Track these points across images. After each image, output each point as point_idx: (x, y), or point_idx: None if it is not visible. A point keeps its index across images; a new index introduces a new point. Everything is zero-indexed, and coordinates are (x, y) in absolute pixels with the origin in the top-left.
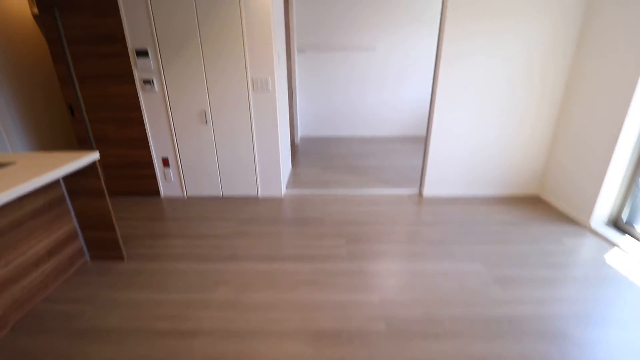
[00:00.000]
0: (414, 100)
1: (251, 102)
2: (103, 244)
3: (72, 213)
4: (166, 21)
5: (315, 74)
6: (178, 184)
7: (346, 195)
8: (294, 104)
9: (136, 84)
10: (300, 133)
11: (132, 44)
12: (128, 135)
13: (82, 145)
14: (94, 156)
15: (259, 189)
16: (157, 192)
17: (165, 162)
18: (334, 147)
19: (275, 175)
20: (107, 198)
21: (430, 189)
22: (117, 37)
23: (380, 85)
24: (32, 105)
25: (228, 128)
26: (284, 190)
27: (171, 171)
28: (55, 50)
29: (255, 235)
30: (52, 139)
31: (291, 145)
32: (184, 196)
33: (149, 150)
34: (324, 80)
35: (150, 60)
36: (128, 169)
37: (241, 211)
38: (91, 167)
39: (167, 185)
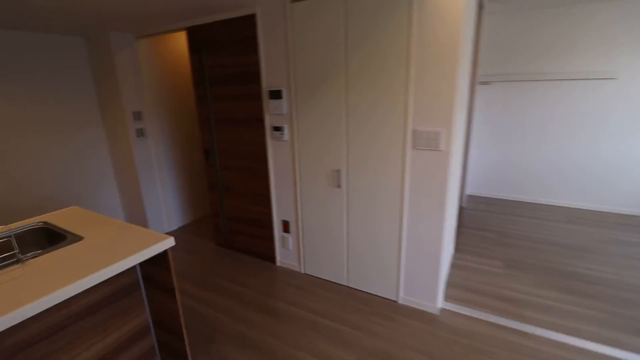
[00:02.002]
0: None
1: (407, 164)
2: (171, 351)
3: (146, 304)
4: (307, 53)
5: (501, 112)
6: (296, 256)
7: (558, 347)
8: (468, 156)
9: (265, 131)
10: (467, 191)
11: (266, 83)
12: (252, 189)
13: (211, 192)
14: (166, 244)
15: (401, 290)
16: (273, 259)
17: (286, 227)
18: (521, 221)
19: (429, 277)
20: (178, 299)
21: None
22: (253, 76)
23: (614, 131)
24: (179, 146)
25: (367, 197)
26: (440, 302)
27: (291, 239)
28: (199, 92)
29: None
30: (195, 181)
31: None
32: (300, 272)
33: (270, 209)
34: (512, 120)
35: (284, 103)
36: (248, 225)
37: (367, 328)
38: (162, 257)
39: (285, 253)
